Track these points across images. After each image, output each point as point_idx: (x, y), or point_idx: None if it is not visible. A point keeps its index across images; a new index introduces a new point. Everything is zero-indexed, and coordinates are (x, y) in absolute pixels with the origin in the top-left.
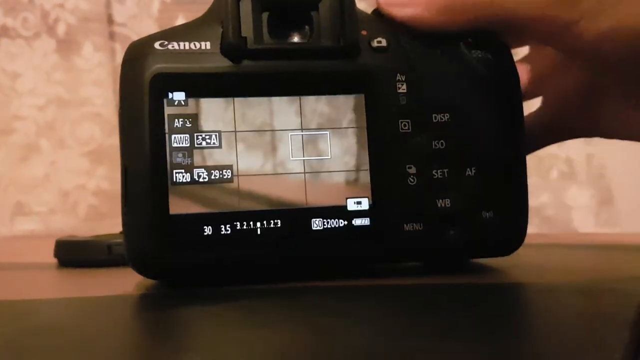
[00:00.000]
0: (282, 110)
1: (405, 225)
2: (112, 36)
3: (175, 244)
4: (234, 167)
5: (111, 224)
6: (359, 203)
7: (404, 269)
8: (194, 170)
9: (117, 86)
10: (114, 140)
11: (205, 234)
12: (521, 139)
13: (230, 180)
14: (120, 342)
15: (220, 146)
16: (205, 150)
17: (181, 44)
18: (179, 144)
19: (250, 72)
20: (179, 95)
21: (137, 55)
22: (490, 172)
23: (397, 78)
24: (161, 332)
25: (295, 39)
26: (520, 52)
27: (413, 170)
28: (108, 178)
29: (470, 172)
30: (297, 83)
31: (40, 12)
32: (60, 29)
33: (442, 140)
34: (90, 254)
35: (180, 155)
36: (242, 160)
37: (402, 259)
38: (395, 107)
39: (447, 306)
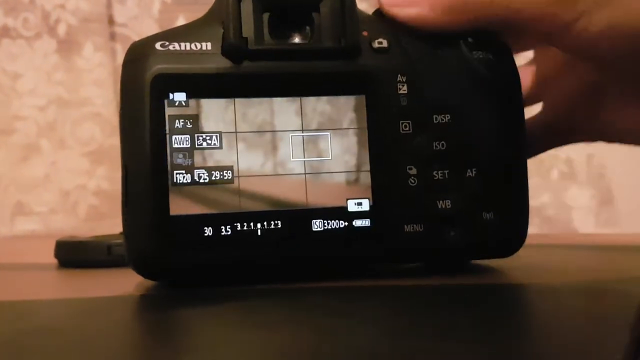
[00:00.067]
0: (282, 111)
1: (405, 226)
2: (112, 37)
3: (175, 245)
4: (235, 168)
5: (111, 224)
6: (359, 204)
7: (404, 270)
8: (195, 171)
9: (118, 86)
10: (115, 141)
11: (205, 234)
12: (522, 140)
13: (231, 181)
14: (121, 343)
15: (220, 147)
16: (206, 151)
17: (182, 44)
18: (180, 144)
19: (251, 73)
20: (180, 96)
21: (138, 55)
22: (490, 173)
23: (398, 79)
24: (161, 333)
25: (296, 39)
26: (522, 57)
27: (414, 171)
28: (108, 178)
29: (470, 173)
30: (298, 84)
31: (41, 13)
32: (61, 30)
33: (442, 141)
34: (90, 255)
35: (180, 155)
36: (242, 161)
37: (402, 260)
38: (396, 108)
39: (448, 307)
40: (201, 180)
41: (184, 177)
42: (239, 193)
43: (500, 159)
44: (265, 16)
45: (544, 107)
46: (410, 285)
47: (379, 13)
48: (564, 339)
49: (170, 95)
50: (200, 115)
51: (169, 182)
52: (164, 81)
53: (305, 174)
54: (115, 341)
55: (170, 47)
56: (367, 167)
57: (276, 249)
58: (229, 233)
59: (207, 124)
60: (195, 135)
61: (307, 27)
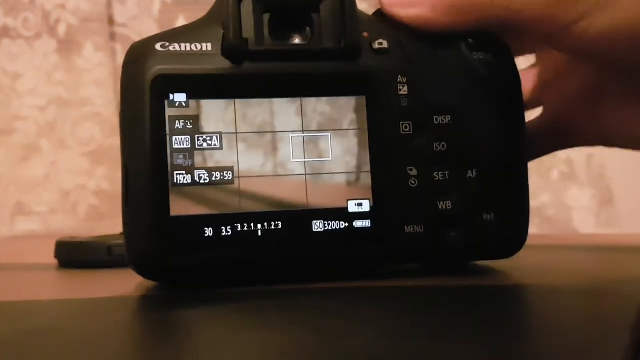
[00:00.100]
0: (283, 112)
1: (406, 227)
2: (112, 37)
3: (176, 246)
4: (235, 169)
5: (111, 224)
6: (359, 205)
7: (405, 271)
8: (195, 171)
9: (118, 86)
10: (115, 141)
11: (206, 235)
12: (522, 141)
13: (231, 181)
14: (120, 344)
15: (221, 147)
16: (206, 152)
17: (182, 45)
18: (180, 145)
19: (251, 74)
20: (180, 97)
21: (138, 56)
22: (491, 173)
23: (399, 80)
24: (161, 334)
25: (297, 40)
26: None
27: (414, 172)
28: (108, 178)
29: (471, 174)
30: (298, 84)
31: (41, 13)
32: (61, 30)
33: (443, 142)
34: (90, 255)
35: (181, 156)
36: (243, 162)
37: (403, 260)
38: (396, 108)
39: (448, 307)
40: (201, 181)
41: (184, 177)
42: (239, 194)
43: (500, 159)
44: (266, 17)
45: (544, 111)
46: (411, 286)
47: (380, 14)
48: (564, 340)
49: (171, 96)
50: (200, 116)
51: (169, 183)
52: (164, 82)
53: (305, 174)
54: (115, 342)
55: (171, 48)
56: (368, 167)
57: (276, 250)
58: (229, 234)
59: (207, 124)
60: (196, 136)
61: (308, 28)
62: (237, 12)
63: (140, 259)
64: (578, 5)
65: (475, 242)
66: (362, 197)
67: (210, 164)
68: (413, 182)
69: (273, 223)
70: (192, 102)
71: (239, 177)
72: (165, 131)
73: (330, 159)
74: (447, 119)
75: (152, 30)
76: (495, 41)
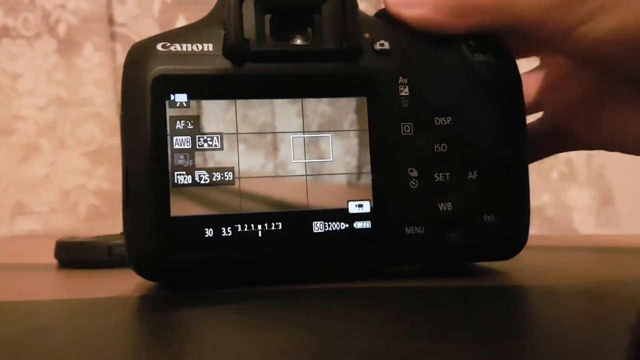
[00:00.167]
0: (283, 113)
1: (406, 228)
2: (112, 36)
3: (176, 246)
4: (236, 169)
5: (111, 224)
6: (360, 206)
7: (405, 272)
8: (196, 172)
9: (118, 86)
10: (115, 140)
11: (206, 235)
12: (523, 142)
13: (232, 182)
14: (120, 344)
15: (221, 148)
16: (207, 152)
17: (183, 45)
18: (181, 145)
19: (252, 74)
20: (181, 97)
21: (139, 57)
22: (492, 175)
23: (400, 81)
24: (161, 334)
25: (298, 41)
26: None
27: (415, 173)
28: (108, 178)
29: (472, 175)
30: (300, 85)
31: (41, 13)
32: (61, 29)
33: (444, 143)
34: (90, 255)
35: (181, 157)
36: (243, 162)
37: (403, 261)
38: (397, 109)
39: (448, 308)
40: (202, 182)
41: (184, 178)
42: (239, 194)
43: (501, 160)
44: (267, 17)
45: (544, 114)
46: (411, 287)
47: (381, 15)
48: (564, 340)
49: (171, 96)
50: (201, 117)
51: (170, 183)
52: (165, 82)
53: (306, 175)
54: (115, 342)
55: (172, 48)
56: (368, 168)
57: (277, 250)
58: (229, 234)
59: (208, 125)
60: (196, 136)
61: (309, 29)
62: (239, 13)
63: (140, 259)
64: (579, 10)
65: (475, 243)
66: (363, 198)
67: (211, 165)
68: (414, 183)
69: (273, 224)
70: (193, 103)
71: (239, 177)
72: (166, 131)
73: (331, 159)
74: (448, 120)
75: (152, 30)
76: (497, 43)
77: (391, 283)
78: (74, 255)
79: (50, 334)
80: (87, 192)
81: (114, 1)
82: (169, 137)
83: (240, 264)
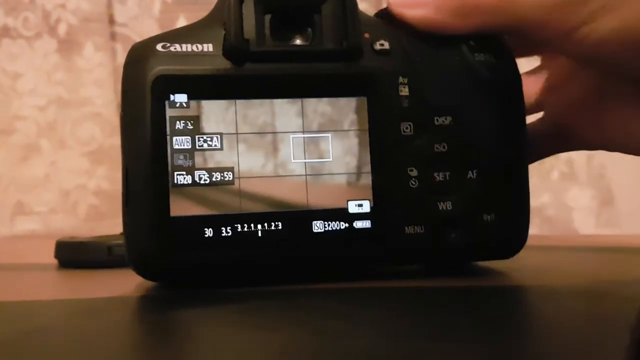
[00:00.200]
0: (283, 112)
1: (406, 228)
2: (113, 36)
3: (176, 246)
4: (235, 169)
5: (111, 224)
6: (360, 205)
7: (405, 272)
8: (195, 172)
9: (118, 86)
10: (115, 140)
11: (206, 235)
12: (523, 142)
13: (232, 182)
14: (120, 344)
15: (221, 148)
16: (207, 152)
17: (183, 45)
18: (181, 145)
19: (252, 75)
20: (181, 97)
21: (139, 57)
22: (491, 174)
23: (400, 81)
24: (161, 334)
25: (298, 41)
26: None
27: (415, 172)
28: (108, 178)
29: (472, 175)
30: (300, 85)
31: (42, 12)
32: (61, 29)
33: (444, 143)
34: (90, 255)
35: (181, 157)
36: (243, 162)
37: (403, 261)
38: (397, 109)
39: (448, 308)
40: (202, 182)
41: (184, 178)
42: (239, 194)
43: (501, 160)
44: (267, 18)
45: (545, 114)
46: (411, 287)
47: (381, 15)
48: (564, 340)
49: (171, 97)
50: (201, 117)
51: (170, 183)
52: (165, 82)
53: (306, 175)
54: (115, 342)
55: (172, 49)
56: (368, 168)
57: (276, 250)
58: (229, 234)
59: (208, 125)
60: (196, 136)
61: (309, 29)
62: (239, 13)
63: (140, 259)
64: (581, 11)
65: (475, 243)
66: (363, 197)
67: (211, 165)
68: (413, 183)
69: (273, 223)
70: (193, 103)
71: (239, 177)
72: (166, 132)
73: (331, 159)
74: (448, 120)
75: (153, 30)
76: (497, 43)
77: (391, 283)
78: (74, 255)
79: (50, 334)
80: (87, 192)
81: (114, 1)
82: (168, 137)
83: (240, 264)
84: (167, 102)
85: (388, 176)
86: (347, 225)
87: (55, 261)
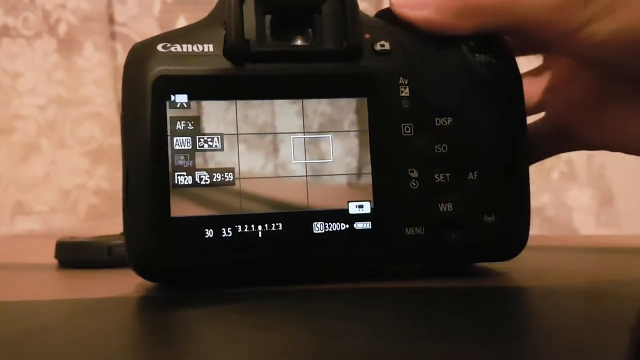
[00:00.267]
0: (284, 113)
1: (406, 229)
2: (113, 36)
3: (176, 246)
4: (236, 170)
5: (111, 224)
6: (360, 206)
7: (405, 272)
8: (196, 172)
9: (118, 86)
10: (115, 140)
11: (206, 236)
12: (523, 143)
13: (232, 182)
14: (120, 344)
15: (222, 149)
16: (207, 153)
17: (184, 46)
18: (181, 146)
19: (252, 75)
20: (182, 98)
21: (139, 57)
22: (492, 175)
23: (400, 81)
24: (161, 334)
25: (298, 41)
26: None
27: (415, 173)
28: (108, 178)
29: (472, 176)
30: (300, 86)
31: (42, 12)
32: (61, 29)
33: (444, 144)
34: (90, 255)
35: (182, 157)
36: (243, 163)
37: (403, 262)
38: (397, 110)
39: (448, 309)
40: (202, 182)
41: (185, 178)
42: (240, 195)
43: (501, 161)
44: (267, 18)
45: (546, 114)
46: (411, 287)
47: (381, 15)
48: (564, 341)
49: (172, 97)
50: (201, 117)
51: (170, 184)
52: (165, 83)
53: (306, 176)
54: (115, 342)
55: (172, 49)
56: (369, 169)
57: (277, 251)
58: (229, 235)
59: (208, 125)
60: (197, 137)
61: (309, 29)
62: (239, 13)
63: (140, 259)
64: (583, 12)
65: (475, 244)
66: (363, 198)
67: (211, 165)
68: (414, 184)
69: (273, 224)
70: (193, 103)
71: (239, 178)
72: (166, 132)
73: (331, 160)
74: (449, 121)
75: (153, 29)
76: (497, 43)
77: (391, 283)
78: (74, 255)
79: (50, 334)
80: (87, 192)
81: (114, 1)
82: (169, 138)
83: (240, 264)
84: (167, 103)
85: (388, 177)
86: (347, 226)
87: (55, 261)
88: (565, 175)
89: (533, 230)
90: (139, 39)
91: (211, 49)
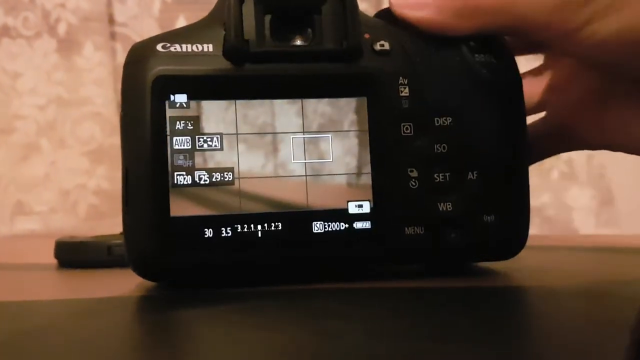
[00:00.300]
0: (283, 113)
1: (406, 229)
2: (113, 36)
3: (175, 246)
4: (235, 170)
5: (111, 224)
6: (360, 206)
7: (405, 272)
8: (195, 172)
9: (118, 86)
10: (114, 140)
11: (206, 236)
12: (523, 143)
13: (232, 182)
14: (120, 344)
15: (221, 148)
16: (207, 153)
17: (183, 46)
18: (181, 146)
19: (252, 75)
20: (181, 98)
21: (139, 57)
22: (492, 175)
23: (400, 81)
24: (161, 334)
25: (298, 41)
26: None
27: (415, 173)
28: (108, 177)
29: (472, 176)
30: (300, 86)
31: (41, 12)
32: (61, 29)
33: (444, 144)
34: (90, 255)
35: (181, 157)
36: (243, 163)
37: (403, 262)
38: (397, 110)
39: (448, 308)
40: (202, 182)
41: (184, 178)
42: (239, 194)
43: (501, 161)
44: (267, 18)
45: (547, 114)
46: (411, 287)
47: (381, 15)
48: (564, 340)
49: (171, 97)
50: (201, 117)
51: (170, 184)
52: (165, 82)
53: (306, 175)
54: (115, 342)
55: (172, 49)
56: (368, 169)
57: (276, 251)
58: (229, 234)
59: (208, 125)
60: (196, 136)
61: (309, 29)
62: (239, 13)
63: (140, 259)
64: (583, 12)
65: (475, 243)
66: (363, 198)
67: (211, 165)
68: (413, 184)
69: (273, 224)
70: (193, 103)
71: (239, 178)
72: (166, 132)
73: (331, 160)
74: (448, 121)
75: (153, 29)
76: (497, 43)
77: (391, 283)
78: (74, 255)
79: (50, 334)
80: (87, 192)
81: (114, 0)
82: (168, 138)
83: (240, 264)
84: (167, 102)
85: (388, 177)
86: (347, 225)
87: (55, 261)
88: (565, 175)
89: (533, 230)
90: (138, 39)
91: (211, 49)
